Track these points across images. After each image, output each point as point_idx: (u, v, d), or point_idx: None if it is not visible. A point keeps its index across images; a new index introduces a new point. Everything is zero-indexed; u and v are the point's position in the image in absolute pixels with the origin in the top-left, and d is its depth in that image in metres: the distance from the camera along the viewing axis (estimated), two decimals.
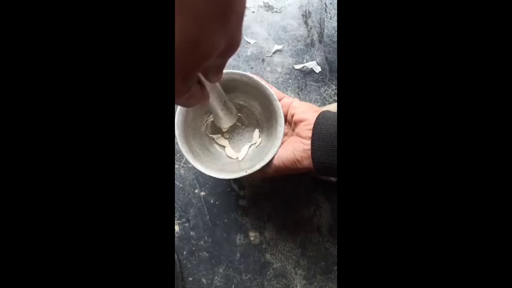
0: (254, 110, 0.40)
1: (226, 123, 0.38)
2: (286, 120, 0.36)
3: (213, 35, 0.16)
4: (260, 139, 0.40)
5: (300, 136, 0.33)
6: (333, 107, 0.42)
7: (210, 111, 0.39)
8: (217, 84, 0.31)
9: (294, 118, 0.35)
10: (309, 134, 0.32)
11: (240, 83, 0.35)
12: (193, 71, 0.18)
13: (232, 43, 0.18)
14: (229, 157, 0.40)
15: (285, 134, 0.36)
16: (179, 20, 0.15)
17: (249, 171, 0.34)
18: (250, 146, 0.40)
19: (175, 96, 0.19)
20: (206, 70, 0.21)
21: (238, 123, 0.41)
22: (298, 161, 0.33)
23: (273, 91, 0.35)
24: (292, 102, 0.36)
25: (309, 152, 0.32)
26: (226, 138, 0.41)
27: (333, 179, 0.42)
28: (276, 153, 0.34)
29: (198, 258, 0.43)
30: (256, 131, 0.40)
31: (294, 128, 0.35)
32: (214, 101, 0.33)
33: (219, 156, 0.40)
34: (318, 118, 0.32)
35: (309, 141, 0.32)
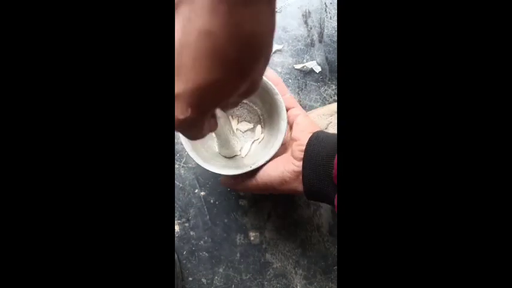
0: (255, 106, 0.40)
1: (225, 152, 0.38)
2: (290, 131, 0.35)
3: (238, 80, 0.17)
4: (263, 135, 0.40)
5: (292, 156, 0.32)
6: (333, 107, 0.42)
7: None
8: (226, 115, 0.32)
9: (292, 135, 0.33)
10: (300, 155, 0.31)
11: None
12: (212, 108, 0.19)
13: (254, 86, 0.19)
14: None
15: (286, 143, 0.35)
16: (208, 63, 0.15)
17: (254, 166, 0.33)
18: (253, 142, 0.40)
19: (186, 127, 0.19)
20: (222, 105, 0.21)
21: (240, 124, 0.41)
22: (287, 181, 0.32)
23: (287, 97, 0.34)
24: (297, 116, 0.34)
25: (299, 174, 0.30)
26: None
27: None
28: (279, 148, 0.33)
29: (198, 258, 0.43)
30: (259, 127, 0.40)
31: (291, 144, 0.34)
32: (220, 129, 0.33)
33: (222, 155, 0.40)
34: (310, 139, 0.31)
35: (300, 163, 0.30)
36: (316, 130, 0.32)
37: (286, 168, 0.32)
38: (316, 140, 0.31)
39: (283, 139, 0.33)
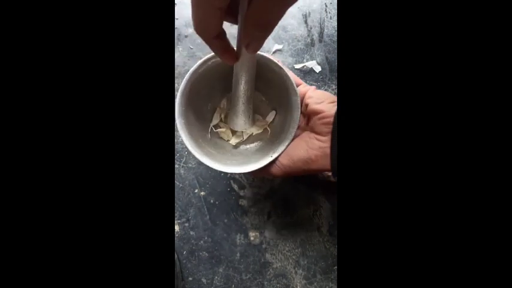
0: (264, 97, 0.37)
1: (237, 123, 0.34)
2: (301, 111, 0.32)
3: None
4: (274, 116, 0.37)
5: (314, 132, 0.29)
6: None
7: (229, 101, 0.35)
8: (251, 62, 0.28)
9: (308, 109, 0.30)
10: (326, 129, 0.28)
11: (266, 71, 0.31)
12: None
13: None
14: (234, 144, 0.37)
15: (298, 127, 0.32)
16: None
17: (274, 155, 0.31)
18: (275, 115, 0.37)
19: (202, 27, 0.20)
20: (250, 36, 0.21)
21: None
22: (313, 160, 0.29)
23: (290, 74, 0.31)
24: (307, 91, 0.31)
25: (326, 150, 0.28)
26: (227, 127, 0.38)
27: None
28: (297, 126, 0.31)
29: (198, 258, 0.43)
30: (273, 112, 0.37)
31: (308, 122, 0.31)
32: (241, 78, 0.29)
33: (237, 152, 0.37)
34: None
35: (326, 138, 0.28)
36: (335, 99, 0.30)
37: (310, 146, 0.29)
38: None
39: (299, 117, 0.31)
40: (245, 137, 0.38)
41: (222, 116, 0.38)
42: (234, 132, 0.38)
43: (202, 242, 0.43)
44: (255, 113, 0.38)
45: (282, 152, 0.31)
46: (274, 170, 0.32)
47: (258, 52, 0.29)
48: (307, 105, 0.30)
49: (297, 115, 0.31)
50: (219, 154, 0.35)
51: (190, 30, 0.44)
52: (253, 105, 0.35)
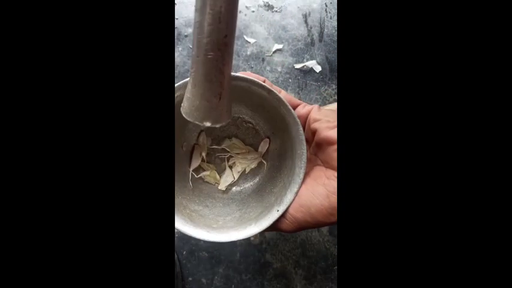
0: (256, 125, 0.31)
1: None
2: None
3: None
4: (266, 145, 0.31)
5: (330, 167, 0.22)
6: (333, 107, 0.42)
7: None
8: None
9: (318, 138, 0.23)
10: None
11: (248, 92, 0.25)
12: None
13: None
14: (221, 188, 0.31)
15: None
16: None
17: (281, 209, 0.24)
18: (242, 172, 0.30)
19: None
20: None
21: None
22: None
23: (283, 95, 0.24)
24: (311, 112, 0.24)
25: None
26: (212, 168, 0.32)
27: None
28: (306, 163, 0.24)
29: (198, 258, 0.43)
30: (266, 140, 0.30)
31: (316, 152, 0.24)
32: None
33: (229, 199, 0.31)
34: None
35: None
36: None
37: (331, 190, 0.22)
38: None
39: (306, 153, 0.24)
40: (236, 176, 0.31)
41: (204, 154, 0.31)
42: (220, 172, 0.32)
43: (202, 242, 0.43)
44: (245, 144, 0.31)
45: (292, 202, 0.24)
46: (285, 226, 0.24)
47: (237, 74, 0.23)
48: (314, 131, 0.24)
49: (301, 150, 0.24)
50: (206, 209, 0.29)
51: (190, 30, 0.44)
52: (239, 132, 0.29)
